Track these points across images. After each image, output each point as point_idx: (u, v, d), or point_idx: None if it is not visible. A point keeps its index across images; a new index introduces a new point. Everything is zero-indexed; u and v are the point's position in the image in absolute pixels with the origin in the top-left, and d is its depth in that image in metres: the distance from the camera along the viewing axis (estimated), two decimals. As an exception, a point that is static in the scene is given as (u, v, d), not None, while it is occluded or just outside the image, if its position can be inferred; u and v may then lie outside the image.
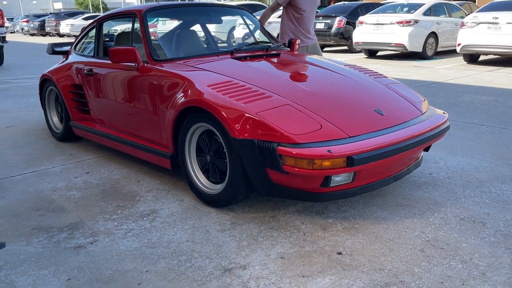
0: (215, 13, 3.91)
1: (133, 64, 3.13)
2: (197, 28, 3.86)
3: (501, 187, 2.86)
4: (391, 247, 2.17)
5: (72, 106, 3.94)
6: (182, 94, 2.69)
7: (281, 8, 4.38)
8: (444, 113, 2.86)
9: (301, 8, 4.21)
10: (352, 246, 2.20)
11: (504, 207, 2.58)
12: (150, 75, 3.00)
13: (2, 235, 2.39)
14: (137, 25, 3.30)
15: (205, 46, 3.73)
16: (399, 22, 9.98)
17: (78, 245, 2.28)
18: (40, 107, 5.53)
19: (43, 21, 26.81)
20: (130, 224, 2.49)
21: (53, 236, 2.37)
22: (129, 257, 2.15)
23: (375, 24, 10.36)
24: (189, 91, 2.66)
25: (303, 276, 1.96)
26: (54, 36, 25.43)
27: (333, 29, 11.99)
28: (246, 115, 2.33)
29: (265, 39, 3.75)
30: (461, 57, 9.86)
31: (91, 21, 4.01)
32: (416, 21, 9.96)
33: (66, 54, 4.38)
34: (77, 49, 4.22)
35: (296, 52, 3.68)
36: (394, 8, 10.88)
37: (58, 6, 66.05)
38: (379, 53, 11.61)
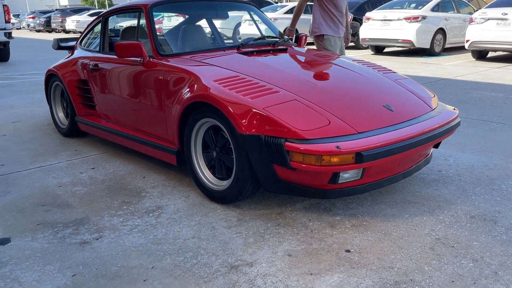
0: (221, 7, 3.87)
1: (139, 59, 3.10)
2: (203, 23, 3.82)
3: (512, 185, 2.81)
4: (401, 245, 2.13)
5: (78, 101, 3.92)
6: (188, 89, 2.66)
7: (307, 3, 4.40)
8: (454, 109, 2.81)
9: None
10: (361, 243, 2.16)
11: (515, 205, 2.53)
12: (156, 70, 2.97)
13: (7, 230, 2.38)
14: (142, 20, 3.27)
15: (211, 41, 3.70)
16: (406, 18, 9.88)
17: (83, 241, 2.26)
18: (45, 103, 5.53)
19: (49, 17, 26.87)
20: (135, 220, 2.46)
21: (58, 231, 2.36)
22: (134, 253, 2.12)
23: (382, 20, 10.28)
24: (195, 86, 2.62)
25: (311, 273, 1.93)
26: (60, 32, 25.49)
27: (340, 25, 11.87)
28: (253, 110, 2.29)
29: (272, 34, 3.71)
30: (469, 54, 9.75)
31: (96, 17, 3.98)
32: (424, 17, 9.86)
33: (71, 49, 4.36)
34: (82, 44, 4.20)
35: (304, 47, 3.64)
36: (402, 4, 10.78)
37: (64, 2, 66.19)
38: (386, 50, 11.52)
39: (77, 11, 25.60)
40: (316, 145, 2.10)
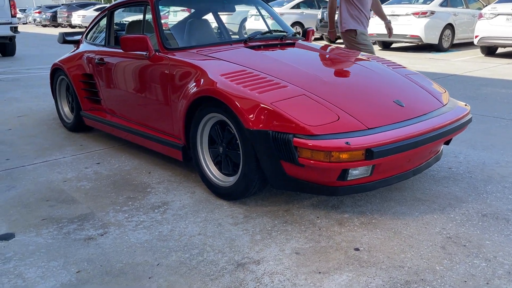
0: (228, 1, 3.82)
1: (145, 53, 3.06)
2: (209, 17, 3.77)
3: (524, 183, 2.75)
4: (411, 244, 2.09)
5: (83, 95, 3.89)
6: (195, 84, 2.62)
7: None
8: (466, 105, 2.75)
9: None
10: (370, 242, 2.11)
11: (528, 204, 2.47)
12: (161, 64, 2.93)
13: (11, 226, 2.36)
14: (148, 14, 3.22)
15: (217, 35, 3.65)
16: (414, 13, 9.77)
17: (88, 236, 2.23)
18: (51, 97, 5.50)
19: (55, 12, 26.89)
20: (141, 216, 2.43)
21: (63, 227, 2.33)
22: (139, 250, 2.09)
23: (390, 15, 10.14)
24: (202, 80, 2.58)
25: (319, 272, 1.89)
26: (66, 27, 25.51)
27: (347, 21, 11.78)
28: (261, 105, 2.25)
29: (279, 28, 3.65)
30: (478, 50, 9.64)
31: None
32: (432, 12, 9.74)
33: (77, 43, 4.33)
34: (88, 38, 4.17)
35: (311, 42, 3.58)
36: (410, -1, 10.67)
37: (70, -3, 66.18)
38: (394, 45, 11.42)
39: (83, 6, 25.59)
40: (325, 141, 2.06)
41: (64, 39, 4.46)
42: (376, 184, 2.30)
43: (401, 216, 2.36)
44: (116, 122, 3.50)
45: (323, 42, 12.06)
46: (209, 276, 1.88)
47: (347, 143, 2.04)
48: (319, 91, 2.40)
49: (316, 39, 11.09)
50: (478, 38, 8.84)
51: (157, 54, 3.00)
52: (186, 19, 3.63)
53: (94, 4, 26.48)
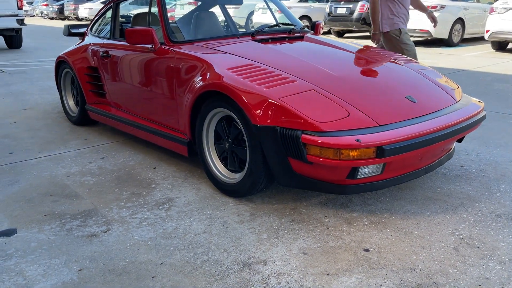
0: (235, -7, 3.74)
1: (150, 45, 3.00)
2: (216, 10, 3.70)
3: (539, 182, 2.67)
4: (423, 245, 2.02)
5: (88, 89, 3.84)
6: (201, 78, 2.55)
7: None
8: (479, 101, 2.67)
9: None
10: (380, 242, 2.05)
11: (544, 204, 2.39)
12: (167, 58, 2.87)
13: (14, 221, 2.32)
14: (154, 6, 3.16)
15: (224, 28, 3.58)
16: (424, 7, 9.61)
17: (91, 233, 2.18)
18: (56, 90, 5.46)
19: (62, 5, 26.86)
20: (145, 212, 2.38)
21: (66, 223, 2.29)
22: (143, 248, 2.04)
23: (399, 9, 10.00)
24: (208, 74, 2.52)
25: (328, 274, 1.83)
26: (73, 20, 25.48)
27: (355, 14, 11.65)
28: (269, 100, 2.18)
29: (287, 21, 3.57)
30: (489, 45, 9.47)
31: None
32: (442, 6, 9.58)
33: (82, 35, 4.28)
34: (93, 30, 4.11)
35: (320, 35, 3.50)
36: (419, -7, 10.49)
37: (78, -10, 66.21)
38: (402, 40, 11.25)
39: (90, -2, 25.52)
40: (335, 138, 1.99)
41: (69, 32, 4.41)
42: (387, 183, 2.23)
43: (412, 215, 2.30)
44: (121, 116, 3.45)
45: (331, 36, 11.92)
46: (214, 276, 1.82)
47: (357, 140, 1.97)
48: (329, 86, 2.33)
49: (324, 33, 10.95)
50: (489, 33, 8.69)
51: (162, 47, 2.94)
52: (192, 11, 3.56)
53: (101, -3, 26.41)
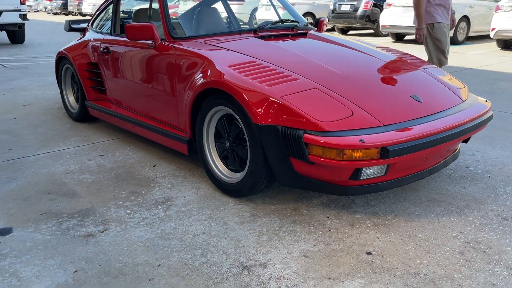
0: (238, -11, 3.69)
1: (150, 42, 2.95)
2: (218, 6, 3.64)
3: (547, 184, 2.61)
4: (427, 249, 1.97)
5: (88, 85, 3.79)
6: (201, 75, 2.50)
7: None
8: (486, 101, 2.61)
9: None
10: (383, 245, 2.00)
11: (551, 207, 2.33)
12: (168, 54, 2.82)
13: (10, 220, 2.28)
14: (155, 2, 3.10)
15: (226, 24, 3.52)
16: (429, 5, 9.51)
17: (87, 233, 2.14)
18: (57, 86, 5.43)
19: (66, 0, 26.84)
20: (143, 212, 2.34)
21: (62, 222, 2.24)
22: (140, 249, 2.00)
23: (404, 6, 9.92)
24: (209, 71, 2.47)
25: (329, 278, 1.78)
26: (77, 15, 25.46)
27: (359, 11, 11.56)
28: (270, 98, 2.13)
29: (291, 18, 3.51)
30: (494, 43, 9.38)
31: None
32: (447, 4, 9.47)
33: (83, 31, 4.23)
34: (94, 26, 4.06)
35: (324, 32, 3.44)
36: (425, -10, 10.39)
37: (81, -15, 66.10)
38: (407, 37, 11.16)
39: (93, -6, 25.47)
40: (338, 138, 1.93)
41: (70, 27, 4.36)
42: (391, 184, 2.18)
43: (416, 218, 2.24)
44: (121, 113, 3.40)
45: (335, 34, 11.84)
46: (212, 279, 1.78)
47: (361, 140, 1.91)
48: (332, 85, 2.27)
49: (327, 30, 10.85)
50: (494, 31, 8.59)
51: (163, 43, 2.89)
52: (194, 7, 3.50)
53: (104, -7, 26.32)
